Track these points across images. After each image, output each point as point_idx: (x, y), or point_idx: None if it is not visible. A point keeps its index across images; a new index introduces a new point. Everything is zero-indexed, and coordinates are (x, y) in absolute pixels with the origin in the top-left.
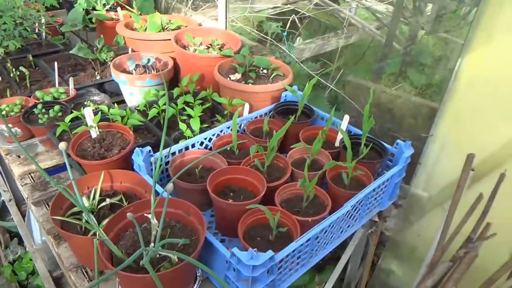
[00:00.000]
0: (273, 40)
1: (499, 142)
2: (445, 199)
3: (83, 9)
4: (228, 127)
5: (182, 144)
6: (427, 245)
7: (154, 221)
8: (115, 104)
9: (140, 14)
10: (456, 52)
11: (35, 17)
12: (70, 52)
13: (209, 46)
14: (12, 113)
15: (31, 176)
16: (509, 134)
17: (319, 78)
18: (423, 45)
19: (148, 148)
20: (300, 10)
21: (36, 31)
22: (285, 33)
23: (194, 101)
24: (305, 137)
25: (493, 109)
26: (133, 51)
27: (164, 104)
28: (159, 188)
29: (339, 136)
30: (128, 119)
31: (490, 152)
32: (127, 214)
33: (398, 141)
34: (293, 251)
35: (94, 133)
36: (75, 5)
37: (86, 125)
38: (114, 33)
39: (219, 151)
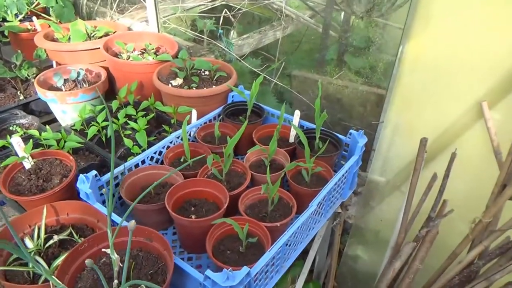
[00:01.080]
0: (209, 39)
1: (447, 121)
2: (402, 182)
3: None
4: (178, 137)
5: (131, 161)
6: (390, 228)
7: (114, 256)
8: (47, 125)
9: (60, 23)
10: (396, 38)
11: None
12: None
13: (143, 51)
14: None
15: None
16: (455, 112)
17: (264, 75)
18: (359, 30)
19: (94, 172)
20: (232, 5)
21: None
22: (220, 30)
23: (137, 113)
24: (259, 137)
25: (438, 90)
26: (58, 64)
27: (104, 120)
28: (116, 218)
29: (293, 132)
30: (65, 142)
31: (440, 132)
32: (86, 261)
33: (351, 131)
34: (268, 261)
35: (27, 164)
36: None
37: (17, 155)
38: (32, 46)
39: (173, 166)
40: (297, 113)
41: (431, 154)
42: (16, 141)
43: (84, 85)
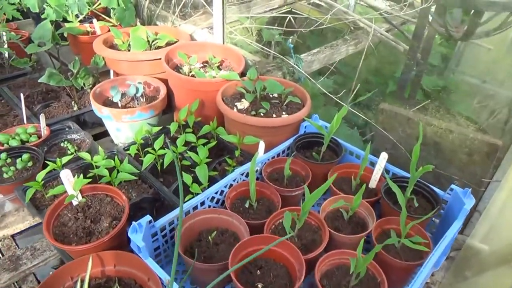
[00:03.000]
0: (277, 54)
1: None
2: None
3: (53, 22)
4: (242, 174)
5: (189, 203)
6: None
7: None
8: (99, 147)
9: (120, 26)
10: None
11: None
12: (39, 80)
13: (205, 64)
14: None
15: None
16: None
17: (344, 104)
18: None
19: (148, 218)
20: (297, 11)
21: None
22: (291, 45)
23: (197, 139)
24: (337, 177)
25: None
26: (115, 73)
27: (161, 148)
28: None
29: (375, 176)
30: (117, 172)
31: None
32: None
33: (454, 186)
34: None
35: (75, 201)
36: (42, 15)
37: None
38: (90, 50)
39: (234, 207)
40: (384, 156)
41: None
42: (65, 175)
43: (142, 99)
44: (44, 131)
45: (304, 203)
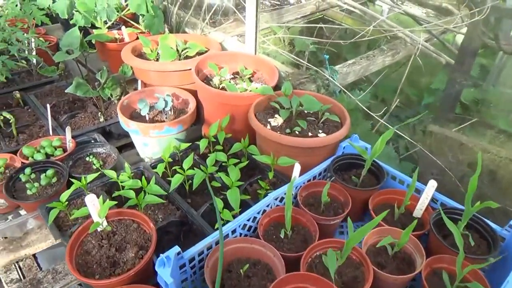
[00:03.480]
0: (311, 66)
1: None
2: None
3: (81, 28)
4: (276, 199)
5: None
6: None
7: None
8: (125, 163)
9: (149, 33)
10: None
11: (24, 41)
12: (66, 91)
13: (236, 75)
14: None
15: (19, 267)
16: None
17: (378, 118)
18: None
19: (176, 250)
20: (330, 18)
21: (25, 53)
22: (326, 56)
23: (228, 158)
24: (376, 205)
25: None
26: (143, 83)
27: (190, 168)
28: None
29: (420, 204)
30: (144, 193)
31: None
32: None
33: None
34: None
35: (100, 227)
36: (70, 21)
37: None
38: (118, 57)
39: (267, 236)
40: (433, 184)
41: None
42: (90, 200)
43: (170, 112)
44: (70, 144)
45: (348, 240)
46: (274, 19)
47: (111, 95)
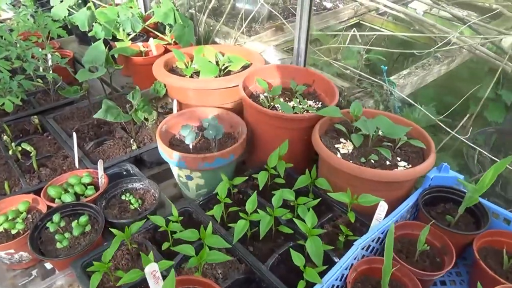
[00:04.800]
0: (371, 78)
1: None
2: None
3: (106, 43)
4: (363, 248)
5: None
6: None
7: None
8: (172, 205)
9: (175, 44)
10: None
11: (40, 58)
12: (95, 116)
13: (285, 91)
14: (13, 230)
15: None
16: None
17: (463, 139)
18: None
19: None
20: (367, 23)
21: (41, 70)
22: (385, 67)
23: (296, 197)
24: (480, 248)
25: None
26: (179, 104)
27: (254, 212)
28: None
29: None
30: (203, 246)
31: None
32: None
33: None
34: None
35: None
36: (89, 33)
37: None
38: (145, 72)
39: None
40: None
41: None
42: (151, 271)
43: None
44: (102, 180)
45: None
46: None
47: (146, 119)
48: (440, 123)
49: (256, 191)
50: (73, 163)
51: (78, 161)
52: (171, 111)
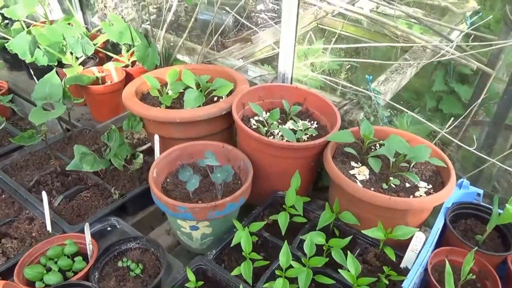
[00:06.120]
0: (359, 88)
1: None
2: None
3: (44, 69)
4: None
5: None
6: None
7: None
8: (187, 271)
9: (134, 66)
10: None
11: None
12: (68, 168)
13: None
14: None
15: None
16: None
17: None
18: None
19: None
20: (326, 27)
21: None
22: (370, 76)
23: (327, 240)
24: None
25: None
26: (162, 140)
27: (290, 266)
28: None
29: None
30: None
31: None
32: None
33: None
34: None
35: None
36: (26, 60)
37: None
38: (104, 103)
39: None
40: None
41: None
42: None
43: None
44: (91, 248)
45: None
46: (277, 35)
47: (131, 164)
48: (447, 135)
49: (281, 237)
50: (43, 227)
51: (51, 224)
52: (148, 147)
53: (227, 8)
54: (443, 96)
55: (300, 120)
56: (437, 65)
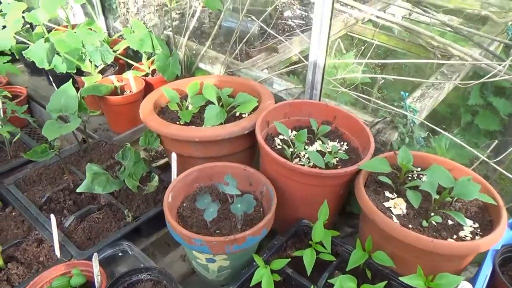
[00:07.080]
0: (393, 108)
1: None
2: None
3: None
4: None
5: None
6: None
7: None
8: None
9: (154, 75)
10: None
11: None
12: (79, 190)
13: (295, 130)
14: None
15: None
16: None
17: None
18: None
19: None
20: (356, 35)
21: None
22: (405, 93)
23: (358, 285)
24: None
25: None
26: (180, 158)
27: None
28: None
29: None
30: None
31: None
32: None
33: None
34: None
35: None
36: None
37: None
38: (125, 113)
39: None
40: None
41: None
42: None
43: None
44: (99, 279)
45: None
46: (304, 44)
47: (144, 185)
48: (491, 163)
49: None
50: (51, 250)
51: (60, 248)
52: (165, 162)
53: (253, 17)
54: (480, 110)
55: (329, 141)
56: (473, 76)
